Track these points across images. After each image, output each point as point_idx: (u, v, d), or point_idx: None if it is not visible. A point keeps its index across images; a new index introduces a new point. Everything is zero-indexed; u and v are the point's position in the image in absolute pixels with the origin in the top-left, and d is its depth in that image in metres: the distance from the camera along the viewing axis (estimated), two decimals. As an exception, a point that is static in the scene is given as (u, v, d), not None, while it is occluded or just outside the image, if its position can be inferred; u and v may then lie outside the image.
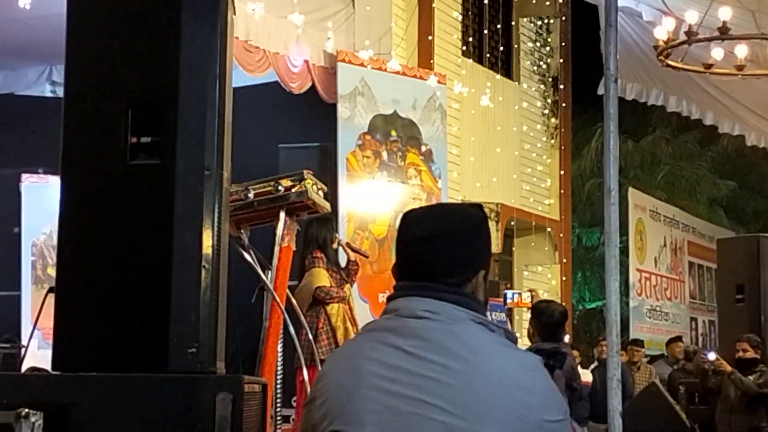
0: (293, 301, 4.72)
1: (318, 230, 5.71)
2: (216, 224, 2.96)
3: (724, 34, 5.57)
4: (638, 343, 9.93)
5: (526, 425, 1.82)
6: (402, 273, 1.96)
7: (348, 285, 5.90)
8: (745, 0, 6.05)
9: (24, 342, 7.41)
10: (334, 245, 5.87)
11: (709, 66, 6.26)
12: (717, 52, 6.18)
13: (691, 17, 5.87)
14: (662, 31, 6.07)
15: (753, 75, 6.44)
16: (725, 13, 5.51)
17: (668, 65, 6.29)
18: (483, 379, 1.83)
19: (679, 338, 10.59)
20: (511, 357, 1.88)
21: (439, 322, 1.86)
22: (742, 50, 6.12)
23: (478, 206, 2.13)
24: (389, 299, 1.96)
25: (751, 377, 6.43)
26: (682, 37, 5.85)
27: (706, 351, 6.81)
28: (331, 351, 5.11)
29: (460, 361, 1.82)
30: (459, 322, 1.87)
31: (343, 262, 6.02)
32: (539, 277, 11.52)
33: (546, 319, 4.61)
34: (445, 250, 1.94)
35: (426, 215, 2.04)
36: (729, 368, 6.47)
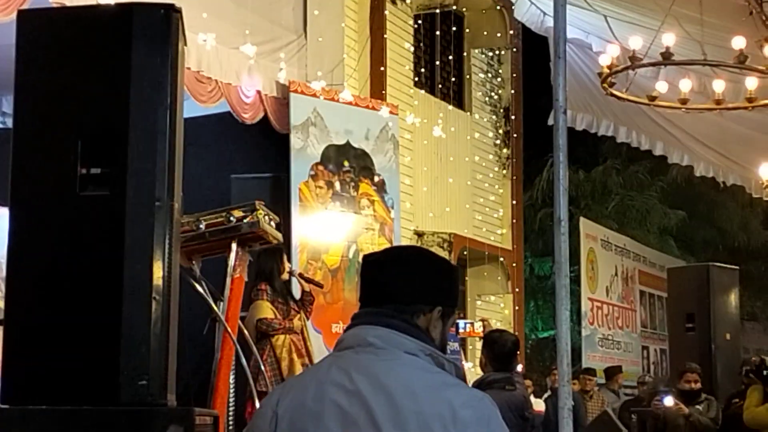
0: (245, 332, 4.74)
1: (265, 262, 5.73)
2: (167, 255, 2.97)
3: (667, 59, 5.70)
4: (590, 372, 10.05)
5: None
6: (361, 297, 2.04)
7: (301, 315, 5.91)
8: (691, 30, 6.20)
9: None
10: (284, 276, 5.89)
11: (653, 98, 6.42)
12: (661, 85, 6.31)
13: (635, 43, 6.00)
14: (606, 58, 6.20)
15: (695, 108, 6.60)
16: (669, 39, 5.67)
17: (612, 94, 6.39)
18: (412, 411, 1.89)
19: (619, 368, 10.81)
20: (447, 389, 1.96)
21: (382, 357, 1.94)
22: (686, 84, 6.25)
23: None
24: (345, 329, 2.02)
25: (698, 407, 6.61)
26: (625, 62, 5.96)
27: (662, 396, 6.94)
28: (275, 383, 5.12)
29: (388, 393, 1.90)
30: (398, 352, 1.94)
31: (297, 294, 6.05)
32: (492, 307, 11.48)
33: (498, 349, 4.69)
34: (399, 275, 2.02)
35: (390, 248, 2.26)
36: (687, 410, 6.65)
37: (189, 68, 6.65)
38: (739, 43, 5.69)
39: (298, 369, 5.45)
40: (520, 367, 5.00)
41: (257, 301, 5.69)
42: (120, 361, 2.84)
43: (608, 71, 5.84)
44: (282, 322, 5.60)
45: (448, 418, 1.90)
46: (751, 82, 6.13)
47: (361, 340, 1.95)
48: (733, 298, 8.70)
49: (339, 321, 8.01)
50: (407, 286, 2.01)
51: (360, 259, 6.87)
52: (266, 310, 5.61)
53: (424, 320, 1.98)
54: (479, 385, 4.43)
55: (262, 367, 5.23)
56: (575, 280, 10.08)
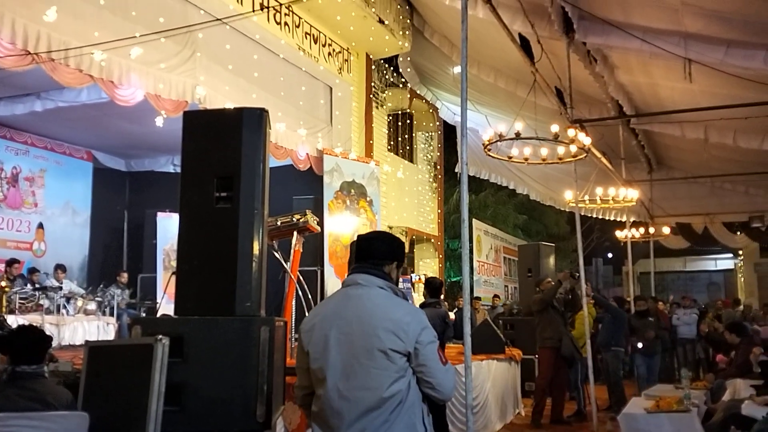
0: (301, 279, 6.56)
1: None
2: (260, 238, 4.36)
3: (518, 137, 8.07)
4: (478, 299, 16.03)
5: (405, 343, 2.83)
6: (357, 257, 3.10)
7: None
8: (530, 122, 8.72)
9: (158, 300, 10.90)
10: None
11: (510, 157, 9.05)
12: (515, 150, 8.73)
13: (501, 128, 8.42)
14: (486, 135, 8.51)
15: (531, 163, 9.21)
16: (519, 126, 8.03)
17: (489, 155, 8.87)
18: (379, 316, 2.86)
19: (497, 296, 17.81)
20: (399, 306, 2.94)
21: (364, 287, 2.96)
22: (527, 150, 8.49)
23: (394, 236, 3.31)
24: (348, 274, 3.13)
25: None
26: (496, 138, 8.33)
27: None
28: None
29: (368, 309, 2.88)
30: (373, 286, 2.95)
31: None
32: (428, 265, 17.67)
33: (432, 286, 6.85)
34: (375, 245, 3.09)
35: (371, 232, 3.22)
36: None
37: (272, 141, 9.78)
38: (554, 128, 8.25)
39: None
40: (442, 297, 7.18)
41: None
42: (236, 293, 4.24)
43: (487, 143, 8.29)
44: None
45: (399, 321, 2.86)
46: (561, 149, 8.81)
47: (353, 280, 3.01)
48: (551, 260, 12.66)
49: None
50: (379, 249, 3.05)
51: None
52: None
53: (388, 269, 3.03)
54: (422, 305, 6.49)
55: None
56: (470, 251, 15.47)
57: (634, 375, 11.25)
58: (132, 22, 8.84)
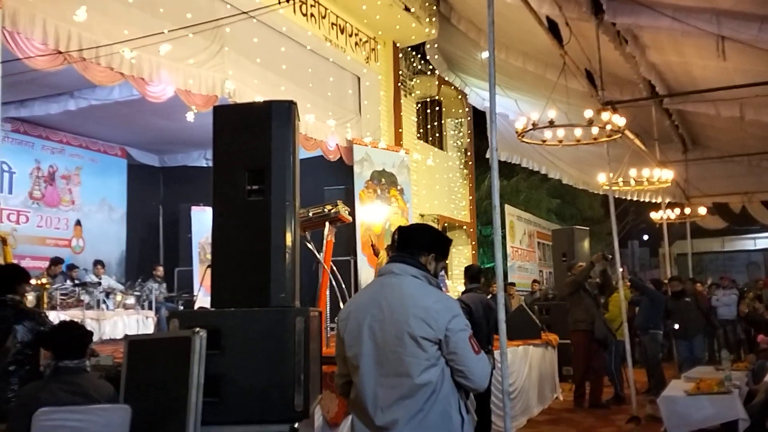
0: (334, 269, 6.62)
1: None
2: (292, 229, 4.34)
3: (552, 124, 7.98)
4: (512, 284, 15.33)
5: (435, 330, 2.84)
6: (396, 248, 3.14)
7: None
8: (561, 106, 8.51)
9: (195, 293, 11.28)
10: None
11: (543, 141, 8.81)
12: (548, 134, 8.48)
13: (534, 116, 8.26)
14: (520, 124, 8.45)
15: (565, 145, 9.01)
16: (552, 114, 7.95)
17: (523, 141, 8.84)
18: (410, 304, 2.90)
19: (535, 281, 17.28)
20: (430, 294, 2.95)
21: (398, 276, 3.00)
22: (560, 133, 8.34)
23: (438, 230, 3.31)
24: (387, 263, 3.14)
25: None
26: (530, 126, 8.22)
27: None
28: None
29: (400, 297, 2.92)
30: (407, 275, 2.99)
31: None
32: (461, 253, 17.37)
33: (472, 273, 6.76)
34: (413, 236, 3.14)
35: (413, 224, 3.58)
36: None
37: (301, 133, 9.84)
38: (588, 113, 8.16)
39: None
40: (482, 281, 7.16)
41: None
42: (270, 285, 4.23)
43: (521, 131, 8.31)
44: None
45: (429, 309, 2.88)
46: (594, 131, 8.56)
47: (388, 269, 3.08)
48: (586, 243, 12.85)
49: (382, 261, 11.23)
50: (416, 241, 3.10)
51: (392, 228, 10.96)
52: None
53: (424, 260, 3.07)
54: (465, 291, 6.47)
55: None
56: (503, 237, 15.51)
57: (673, 358, 11.13)
58: (160, 18, 8.93)
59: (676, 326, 10.56)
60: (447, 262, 15.06)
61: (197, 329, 3.98)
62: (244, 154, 4.46)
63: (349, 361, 2.98)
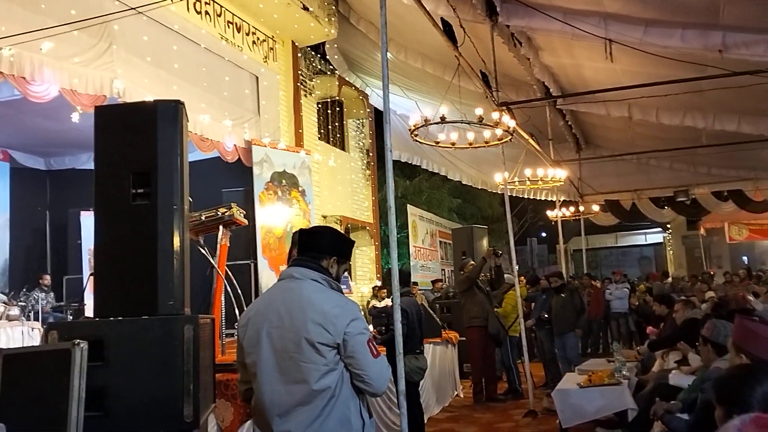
0: (229, 273, 6.43)
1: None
2: (181, 234, 4.19)
3: (443, 120, 8.10)
4: (415, 284, 15.09)
5: (333, 335, 2.86)
6: (298, 251, 3.16)
7: None
8: (456, 105, 8.91)
9: (85, 302, 10.79)
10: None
11: (437, 142, 8.93)
12: (442, 135, 8.70)
13: (427, 112, 8.42)
14: (413, 120, 8.56)
15: (457, 147, 9.31)
16: (444, 110, 8.06)
17: (416, 140, 8.93)
18: (309, 309, 2.90)
19: (439, 280, 17.02)
20: (330, 299, 2.96)
21: (298, 280, 3.00)
22: (454, 135, 8.52)
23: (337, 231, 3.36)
24: (287, 267, 3.15)
25: None
26: (422, 122, 8.37)
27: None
28: None
29: (298, 302, 2.93)
30: (307, 279, 2.99)
31: None
32: (364, 254, 17.40)
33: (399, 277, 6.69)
34: (314, 239, 3.14)
35: (314, 227, 3.42)
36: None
37: (195, 133, 9.36)
38: (479, 111, 8.35)
39: None
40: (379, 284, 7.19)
41: None
42: (158, 291, 4.07)
43: (413, 128, 8.34)
44: None
45: (328, 314, 2.89)
46: (487, 133, 8.80)
47: (288, 273, 3.08)
48: (485, 242, 13.51)
49: (283, 264, 11.22)
50: (318, 243, 3.09)
51: (293, 231, 11.00)
52: None
53: (326, 263, 3.06)
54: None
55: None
56: (407, 237, 17.63)
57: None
58: (42, 15, 8.50)
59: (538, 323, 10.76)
60: (350, 263, 15.15)
61: (77, 341, 3.76)
62: (129, 157, 4.28)
63: (248, 368, 2.98)
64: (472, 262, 10.57)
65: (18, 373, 4.03)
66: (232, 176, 12.71)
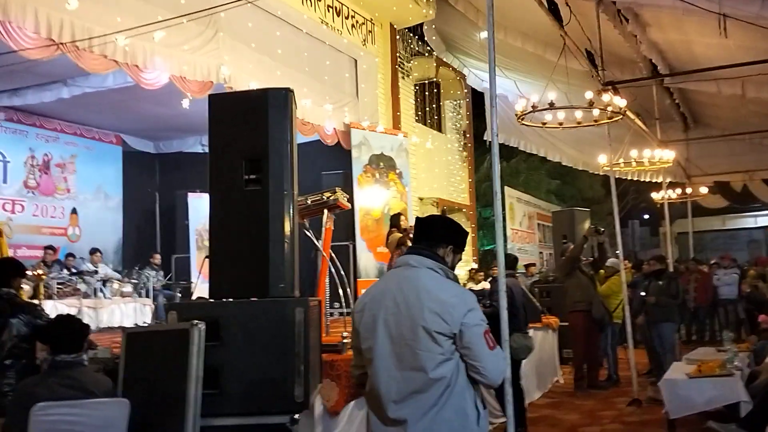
0: (333, 256, 6.53)
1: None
2: (291, 218, 4.34)
3: (552, 106, 7.88)
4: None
5: (450, 325, 2.82)
6: (414, 239, 3.15)
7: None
8: (562, 87, 8.46)
9: (193, 281, 11.12)
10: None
11: (544, 123, 8.75)
12: (548, 116, 8.36)
13: (534, 98, 8.19)
14: (519, 106, 8.38)
15: (566, 128, 8.95)
16: (552, 96, 7.89)
17: (522, 123, 8.77)
18: (426, 298, 2.87)
19: (532, 264, 16.57)
20: (447, 288, 2.93)
21: (414, 268, 2.97)
22: (561, 115, 8.22)
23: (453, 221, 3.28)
24: (404, 255, 3.10)
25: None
26: (530, 108, 8.11)
27: None
28: None
29: (415, 290, 2.90)
30: (423, 267, 2.96)
31: None
32: None
33: (507, 261, 6.66)
34: (431, 227, 3.11)
35: (431, 215, 3.44)
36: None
37: (299, 118, 9.51)
38: (588, 94, 8.11)
39: None
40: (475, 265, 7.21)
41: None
42: (269, 275, 4.24)
43: (520, 113, 8.25)
44: None
45: (445, 303, 2.85)
46: (595, 112, 8.45)
47: (405, 261, 3.04)
48: (586, 225, 12.54)
49: (378, 246, 12.13)
50: (434, 232, 3.07)
51: (390, 213, 11.68)
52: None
53: (442, 252, 3.03)
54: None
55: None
56: (503, 219, 14.38)
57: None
58: (153, 5, 8.81)
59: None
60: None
61: (196, 321, 3.93)
62: (241, 143, 4.41)
63: (364, 353, 2.97)
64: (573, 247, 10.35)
65: (140, 352, 4.25)
66: (332, 159, 12.85)
